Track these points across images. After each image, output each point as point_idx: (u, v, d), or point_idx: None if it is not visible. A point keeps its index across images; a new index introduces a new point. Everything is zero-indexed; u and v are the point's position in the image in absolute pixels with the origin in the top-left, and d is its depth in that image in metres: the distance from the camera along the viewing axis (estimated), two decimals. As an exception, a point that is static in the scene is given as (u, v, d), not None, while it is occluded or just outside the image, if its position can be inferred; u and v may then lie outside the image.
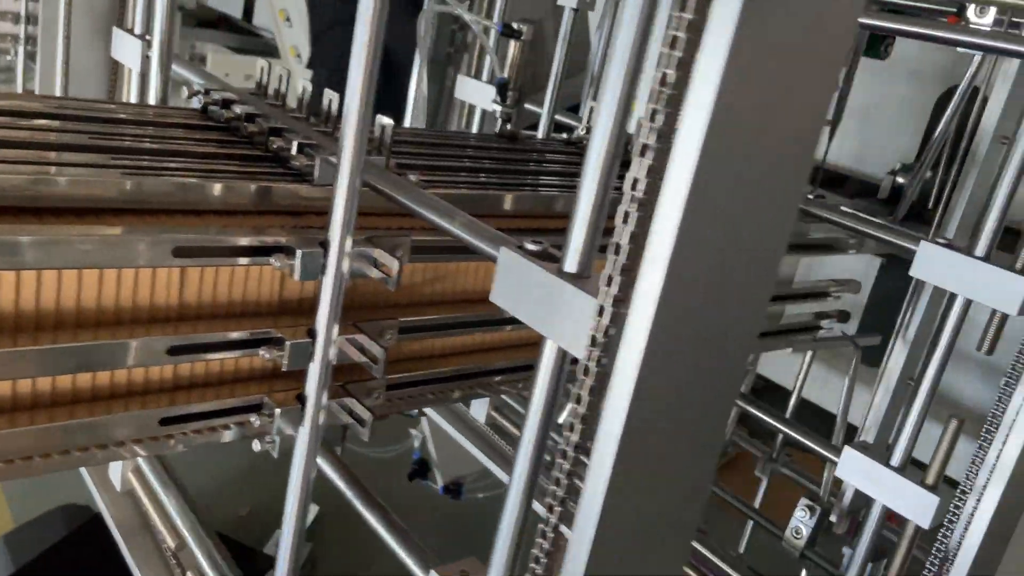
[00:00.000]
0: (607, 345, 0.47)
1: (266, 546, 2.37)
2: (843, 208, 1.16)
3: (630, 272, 0.45)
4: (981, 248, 0.99)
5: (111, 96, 1.40)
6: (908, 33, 1.11)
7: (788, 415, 1.73)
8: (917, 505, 1.04)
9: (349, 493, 0.86)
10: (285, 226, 0.76)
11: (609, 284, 0.46)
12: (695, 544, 1.31)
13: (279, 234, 0.73)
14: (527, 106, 1.62)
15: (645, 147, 0.44)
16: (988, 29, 1.20)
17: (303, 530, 0.83)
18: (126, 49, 1.30)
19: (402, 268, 0.74)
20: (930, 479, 1.04)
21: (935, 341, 1.04)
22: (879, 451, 1.11)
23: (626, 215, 0.45)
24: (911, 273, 1.02)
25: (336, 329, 0.76)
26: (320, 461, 0.89)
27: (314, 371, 0.77)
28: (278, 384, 0.82)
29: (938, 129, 1.35)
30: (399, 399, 0.91)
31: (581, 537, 0.48)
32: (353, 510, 0.93)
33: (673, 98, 0.42)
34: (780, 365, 1.93)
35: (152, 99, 1.13)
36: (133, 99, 1.29)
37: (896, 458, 1.08)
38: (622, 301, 0.46)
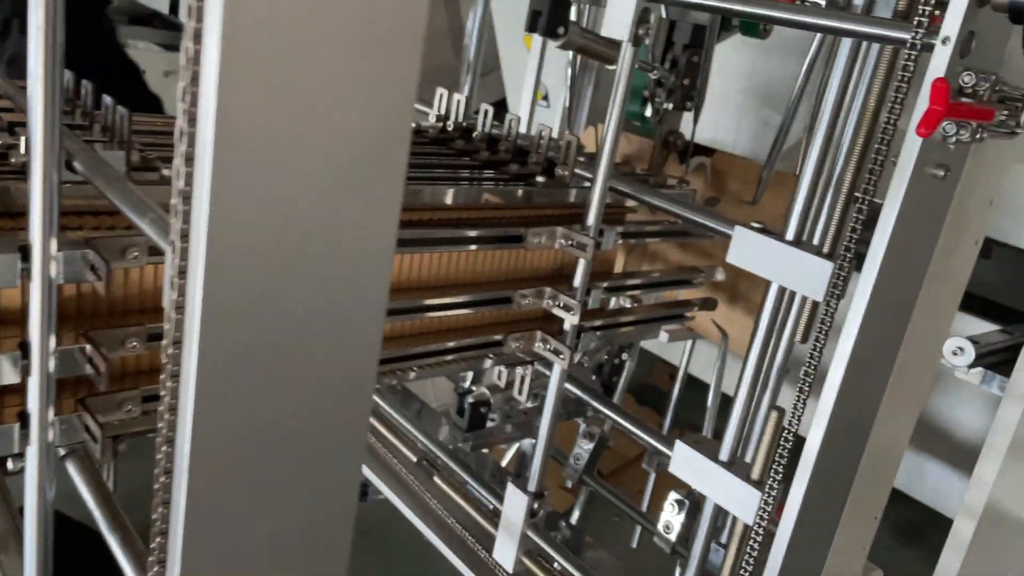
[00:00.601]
0: (176, 357, 0.42)
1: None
2: (664, 192, 1.11)
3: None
4: (791, 232, 0.95)
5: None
6: (737, 13, 1.07)
7: (674, 402, 1.70)
8: (742, 500, 1.00)
9: (97, 511, 0.80)
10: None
11: (172, 288, 0.41)
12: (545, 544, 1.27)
13: (-30, 238, 0.67)
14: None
15: (181, 132, 0.38)
16: (822, 6, 1.16)
17: (48, 553, 0.78)
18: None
19: (111, 271, 0.68)
20: (755, 474, 1.00)
21: (755, 330, 1.01)
22: (712, 446, 1.07)
23: (175, 210, 0.40)
24: (727, 259, 0.98)
25: (53, 340, 0.70)
26: (74, 474, 0.83)
27: (33, 386, 0.72)
28: (11, 400, 0.77)
29: (786, 109, 1.31)
30: (171, 409, 0.86)
31: (174, 544, 0.43)
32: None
33: (197, 75, 0.37)
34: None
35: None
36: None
37: (724, 452, 1.04)
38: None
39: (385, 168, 0.42)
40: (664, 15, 1.46)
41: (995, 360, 1.28)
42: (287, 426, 0.44)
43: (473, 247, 1.13)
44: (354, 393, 0.46)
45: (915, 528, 2.43)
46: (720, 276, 1.41)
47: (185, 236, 0.39)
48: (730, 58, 2.06)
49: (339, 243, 0.42)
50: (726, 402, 1.64)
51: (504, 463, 1.93)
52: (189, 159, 0.38)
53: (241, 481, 0.43)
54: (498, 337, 1.19)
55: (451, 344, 1.18)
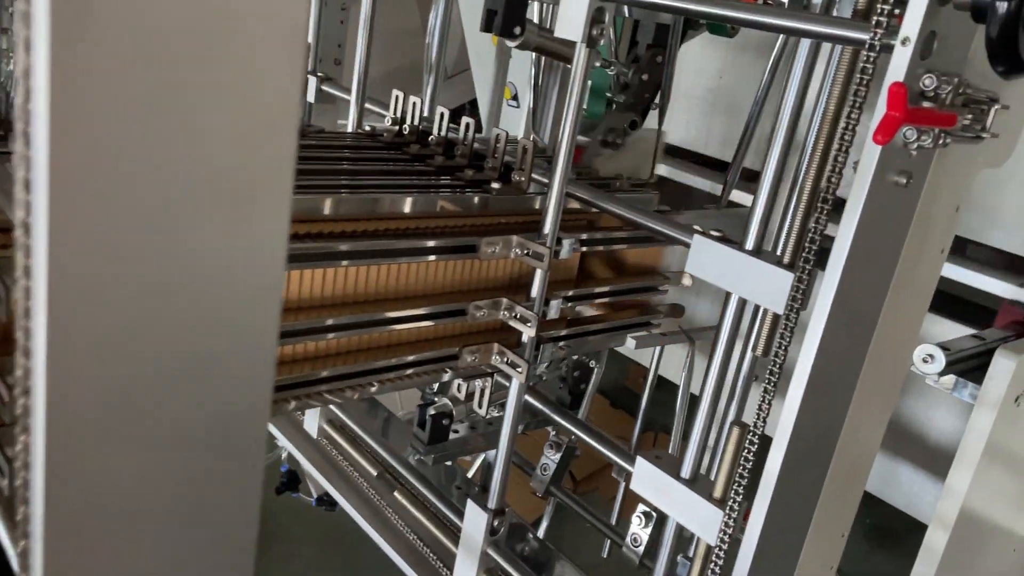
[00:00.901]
0: (27, 408, 0.37)
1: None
2: (622, 197, 1.07)
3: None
4: (750, 241, 0.91)
5: None
6: (693, 12, 1.03)
7: (644, 407, 1.66)
8: (703, 519, 0.96)
9: (10, 547, 0.75)
10: None
11: (19, 330, 0.36)
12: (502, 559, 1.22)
13: None
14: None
15: (19, 156, 0.34)
16: (784, 5, 1.12)
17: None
18: None
19: (10, 293, 0.63)
20: (717, 492, 0.96)
21: (715, 340, 0.97)
22: (674, 462, 1.03)
23: (19, 243, 0.35)
24: (686, 269, 0.94)
25: (-48, 367, 0.65)
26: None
27: (-69, 417, 0.67)
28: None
29: (750, 112, 1.27)
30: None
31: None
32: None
33: (31, 90, 0.32)
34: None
35: None
36: None
37: (686, 470, 1.00)
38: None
39: (263, 182, 0.37)
40: (627, 14, 1.42)
41: (966, 367, 1.25)
42: (159, 486, 0.39)
43: (431, 258, 1.08)
44: (241, 439, 0.41)
45: (889, 533, 2.41)
46: (687, 282, 1.37)
47: (28, 272, 0.35)
48: (699, 57, 2.03)
49: (209, 270, 0.37)
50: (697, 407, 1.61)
51: (471, 473, 1.89)
52: (28, 185, 0.33)
53: (106, 547, 0.38)
54: (455, 350, 1.15)
55: (410, 358, 1.13)
